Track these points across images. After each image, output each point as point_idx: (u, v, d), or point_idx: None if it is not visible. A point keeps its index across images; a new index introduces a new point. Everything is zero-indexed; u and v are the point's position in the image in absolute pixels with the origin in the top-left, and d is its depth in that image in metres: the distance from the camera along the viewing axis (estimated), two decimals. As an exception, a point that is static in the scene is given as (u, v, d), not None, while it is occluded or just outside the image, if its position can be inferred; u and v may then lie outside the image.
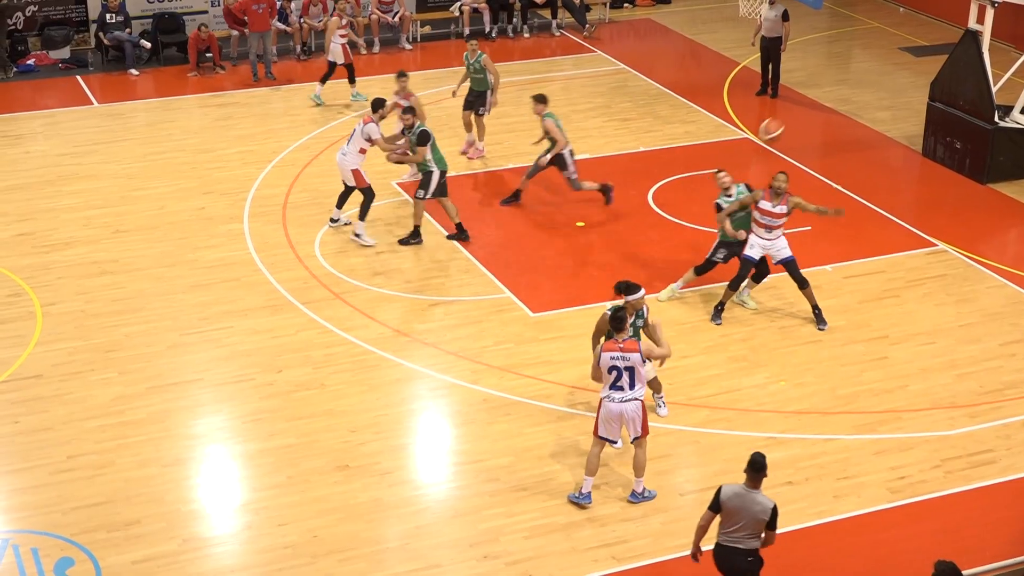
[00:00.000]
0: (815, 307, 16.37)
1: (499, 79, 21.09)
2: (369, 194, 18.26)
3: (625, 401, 12.72)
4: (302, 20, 26.16)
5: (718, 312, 16.42)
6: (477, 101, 20.97)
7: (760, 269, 16.53)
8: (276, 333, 16.02)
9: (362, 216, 18.25)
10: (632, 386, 12.68)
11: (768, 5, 23.39)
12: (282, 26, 25.87)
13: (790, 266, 16.24)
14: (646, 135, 22.33)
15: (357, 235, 18.23)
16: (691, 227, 18.74)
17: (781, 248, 16.22)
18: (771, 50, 23.78)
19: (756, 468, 10.77)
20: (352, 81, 23.59)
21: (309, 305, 16.62)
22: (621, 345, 12.71)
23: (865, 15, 29.61)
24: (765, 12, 23.53)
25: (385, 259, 17.84)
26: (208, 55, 25.25)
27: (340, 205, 18.70)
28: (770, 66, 23.88)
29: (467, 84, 21.11)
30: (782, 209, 16.03)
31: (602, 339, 13.42)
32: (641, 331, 13.67)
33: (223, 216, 19.01)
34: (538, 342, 15.89)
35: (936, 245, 18.54)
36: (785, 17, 23.54)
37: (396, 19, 26.77)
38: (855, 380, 15.31)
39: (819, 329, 16.26)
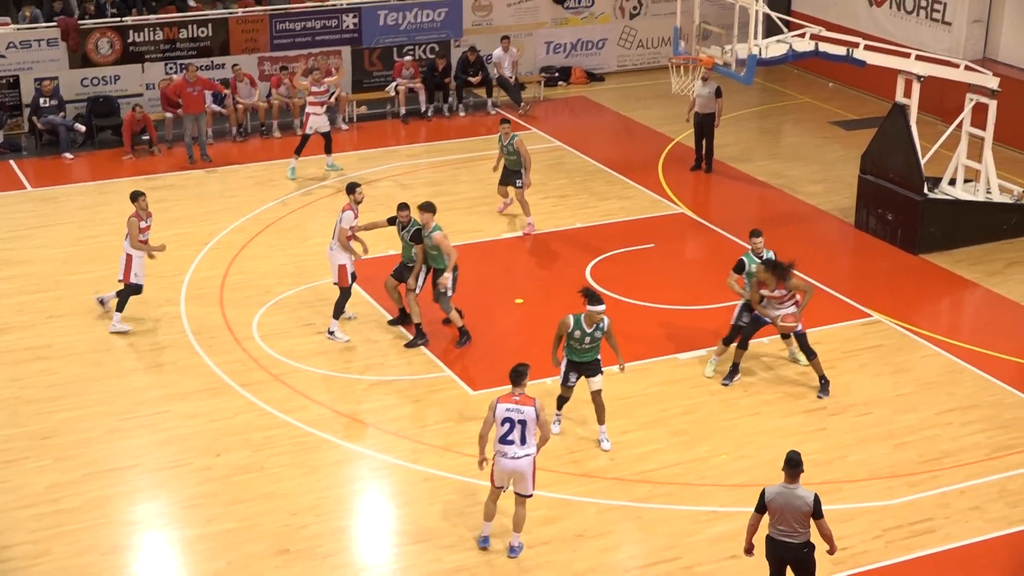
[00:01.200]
0: (822, 377, 16.61)
1: (530, 161, 21.42)
2: (346, 294, 17.83)
3: (517, 458, 12.95)
4: (270, 97, 26.33)
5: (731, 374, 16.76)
6: (513, 176, 21.34)
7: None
8: (214, 416, 15.90)
9: (336, 314, 17.80)
10: (524, 441, 12.92)
11: (701, 82, 23.67)
12: (217, 108, 25.92)
13: (799, 339, 16.57)
14: (583, 211, 22.50)
15: (331, 332, 17.85)
16: (629, 302, 18.84)
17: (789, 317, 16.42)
18: (705, 126, 24.15)
19: (792, 465, 11.73)
20: (328, 151, 23.88)
21: (248, 387, 16.51)
22: (517, 398, 12.96)
23: (795, 90, 30.11)
24: (698, 89, 23.82)
25: (324, 340, 17.78)
26: (144, 137, 25.22)
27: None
28: (704, 141, 24.24)
29: (502, 163, 21.57)
30: (781, 292, 16.29)
31: (562, 342, 14.86)
32: (600, 341, 14.90)
33: (159, 299, 18.90)
34: (478, 420, 15.86)
35: (871, 316, 18.75)
36: (718, 94, 23.95)
37: (332, 99, 26.84)
38: (795, 452, 15.37)
39: (818, 397, 16.51)
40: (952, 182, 21.54)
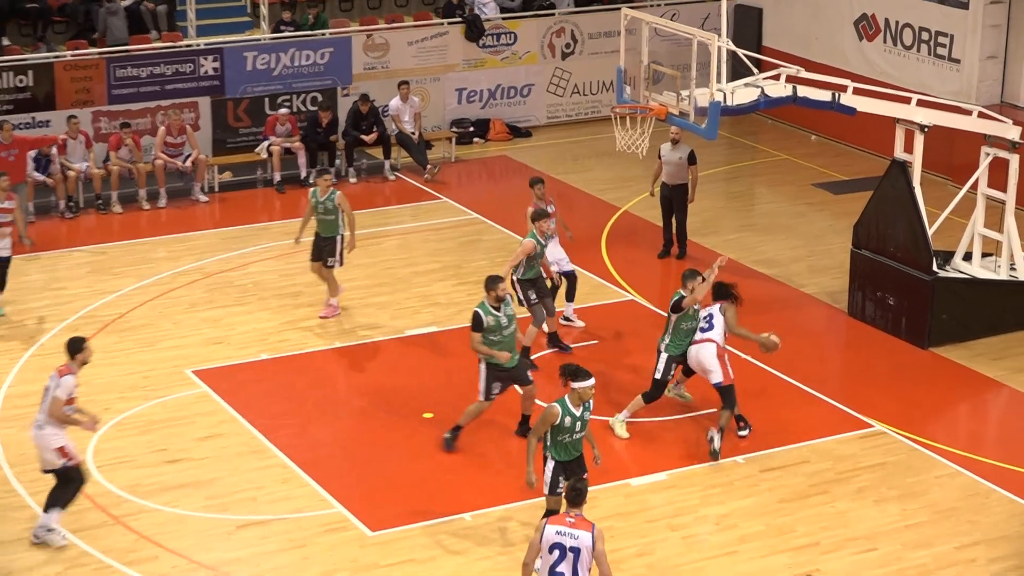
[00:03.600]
0: (731, 424, 17.92)
1: (355, 221, 21.49)
2: (76, 479, 15.96)
3: None
4: (107, 162, 26.13)
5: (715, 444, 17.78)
6: (326, 249, 21.19)
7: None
8: (35, 573, 15.63)
9: (64, 504, 15.98)
10: (575, 574, 12.60)
11: (670, 145, 23.64)
12: (41, 177, 25.76)
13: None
14: (507, 300, 22.54)
15: (49, 531, 15.97)
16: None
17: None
18: (675, 200, 23.88)
19: None
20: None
21: (82, 534, 16.26)
22: (571, 520, 12.70)
23: (770, 146, 30.47)
24: (666, 154, 23.71)
25: (179, 469, 17.59)
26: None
27: None
28: (674, 220, 24.05)
29: (312, 227, 21.43)
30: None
31: (547, 434, 14.84)
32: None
33: (-34, 422, 18.68)
34: (379, 568, 15.73)
35: (872, 426, 18.83)
36: (692, 160, 23.70)
37: (187, 164, 26.85)
38: (781, 600, 15.38)
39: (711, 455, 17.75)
40: (967, 256, 21.81)
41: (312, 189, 21.44)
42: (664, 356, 18.25)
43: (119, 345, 20.93)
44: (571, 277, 21.33)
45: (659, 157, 23.73)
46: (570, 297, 21.49)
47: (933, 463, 18.01)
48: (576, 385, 14.84)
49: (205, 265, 23.73)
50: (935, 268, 21.08)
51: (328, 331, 21.33)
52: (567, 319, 21.56)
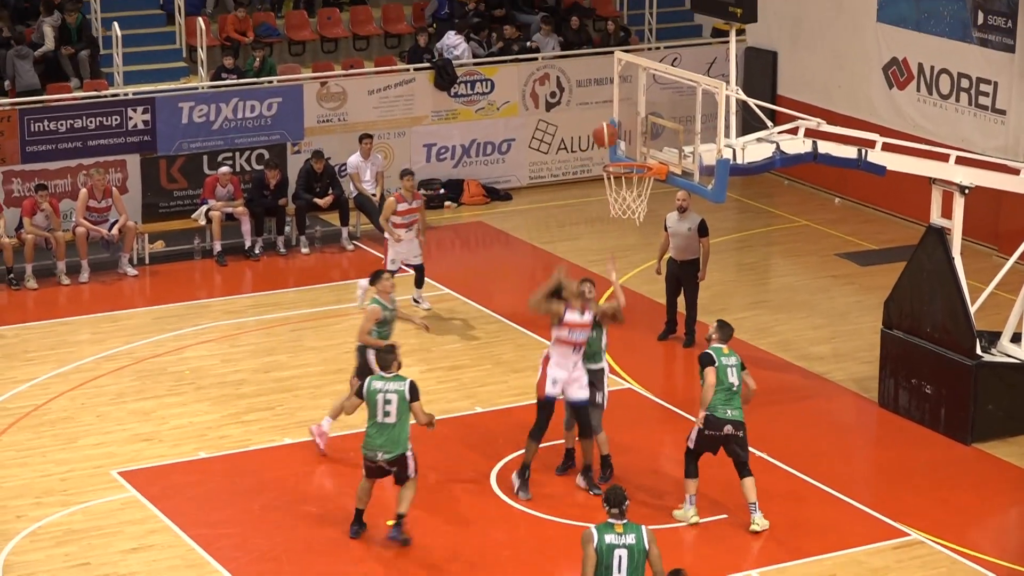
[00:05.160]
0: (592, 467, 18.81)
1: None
2: None
3: None
4: (20, 230, 26.06)
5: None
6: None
7: None
8: None
9: None
10: None
11: (677, 214, 23.54)
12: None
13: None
14: (484, 389, 22.56)
15: None
16: (550, 519, 18.80)
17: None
18: (684, 278, 23.78)
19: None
20: None
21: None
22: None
23: (787, 210, 30.57)
24: (672, 224, 23.56)
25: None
26: None
27: None
28: (684, 299, 23.91)
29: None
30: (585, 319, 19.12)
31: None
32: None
33: None
34: None
35: (908, 535, 18.80)
36: (703, 230, 23.59)
37: (114, 232, 26.81)
38: None
39: (592, 494, 18.82)
40: (1016, 338, 21.85)
41: (371, 295, 21.05)
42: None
43: (34, 442, 20.88)
44: (419, 269, 24.79)
45: (665, 229, 23.68)
46: (419, 284, 24.83)
47: (979, 577, 18.03)
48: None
49: (134, 349, 23.74)
50: (979, 351, 21.14)
51: (275, 425, 21.28)
52: (416, 301, 24.89)
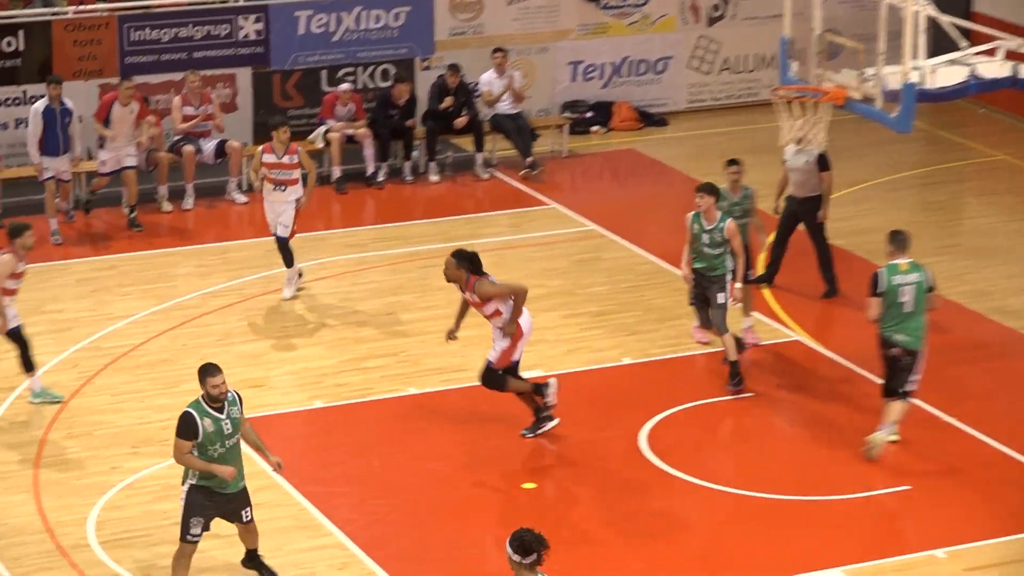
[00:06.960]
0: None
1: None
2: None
3: None
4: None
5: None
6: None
7: None
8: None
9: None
10: None
11: (794, 146, 23.15)
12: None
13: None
14: (633, 337, 22.71)
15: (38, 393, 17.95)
16: (704, 484, 18.96)
17: None
18: (804, 217, 23.52)
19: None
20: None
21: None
22: None
23: (983, 142, 30.35)
24: (790, 159, 23.23)
25: (206, 547, 17.65)
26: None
27: None
28: (814, 241, 23.70)
29: None
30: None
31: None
32: None
33: (-65, 480, 18.98)
34: None
35: None
36: (823, 164, 23.23)
37: (208, 151, 26.84)
38: None
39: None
40: None
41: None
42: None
43: (131, 386, 21.17)
44: (282, 243, 23.52)
45: (783, 162, 23.47)
46: (288, 263, 23.61)
47: None
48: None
49: (243, 285, 24.07)
50: None
51: (400, 373, 21.38)
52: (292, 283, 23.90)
